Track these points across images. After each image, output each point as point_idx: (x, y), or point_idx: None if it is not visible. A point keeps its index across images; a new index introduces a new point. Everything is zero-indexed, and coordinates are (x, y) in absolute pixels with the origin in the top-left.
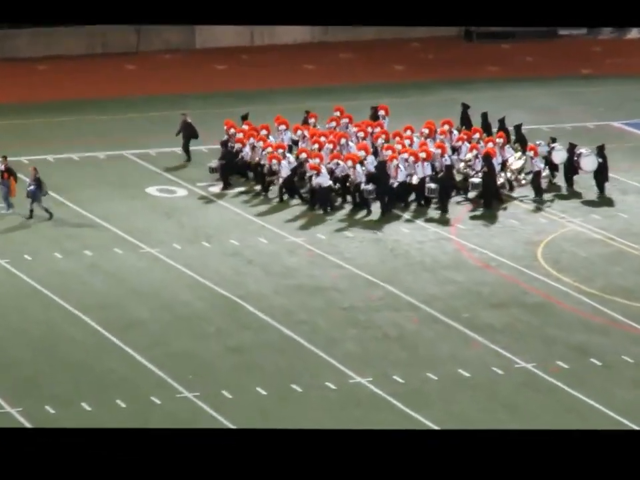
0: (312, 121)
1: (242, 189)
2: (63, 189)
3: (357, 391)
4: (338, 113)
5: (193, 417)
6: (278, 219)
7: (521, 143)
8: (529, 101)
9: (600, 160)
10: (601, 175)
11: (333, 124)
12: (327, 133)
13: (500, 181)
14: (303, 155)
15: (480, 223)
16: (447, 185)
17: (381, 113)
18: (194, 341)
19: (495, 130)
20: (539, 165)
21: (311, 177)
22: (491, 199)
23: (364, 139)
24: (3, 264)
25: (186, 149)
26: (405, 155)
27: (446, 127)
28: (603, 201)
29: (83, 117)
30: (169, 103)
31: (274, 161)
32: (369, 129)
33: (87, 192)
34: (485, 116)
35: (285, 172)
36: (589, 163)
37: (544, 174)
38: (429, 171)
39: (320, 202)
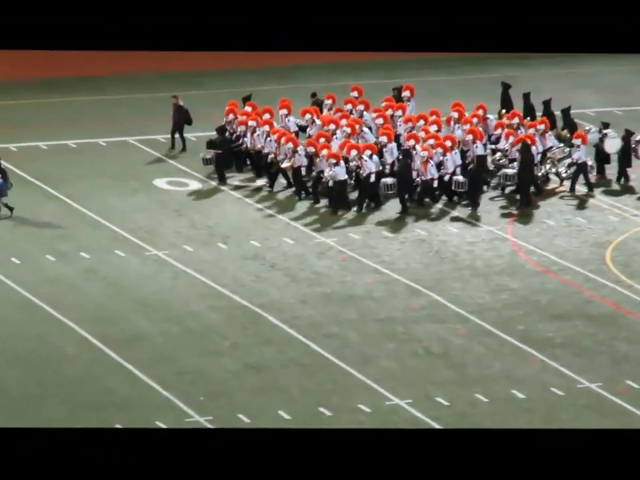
0: (328, 102)
1: (240, 183)
2: (57, 181)
3: (394, 414)
4: (355, 94)
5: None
6: (305, 216)
7: (570, 129)
8: (596, 79)
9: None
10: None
11: (349, 106)
12: (336, 120)
13: (540, 173)
14: (321, 151)
15: (541, 221)
16: (477, 177)
17: (406, 94)
18: (206, 357)
19: (539, 114)
20: (582, 156)
21: (320, 169)
22: (527, 195)
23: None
24: None
25: (179, 135)
26: (434, 146)
27: (480, 112)
28: None
29: (80, 97)
30: (181, 81)
31: (289, 145)
32: (389, 112)
33: (84, 184)
34: (527, 97)
35: (299, 161)
36: (612, 145)
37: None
38: (458, 161)
39: (336, 199)
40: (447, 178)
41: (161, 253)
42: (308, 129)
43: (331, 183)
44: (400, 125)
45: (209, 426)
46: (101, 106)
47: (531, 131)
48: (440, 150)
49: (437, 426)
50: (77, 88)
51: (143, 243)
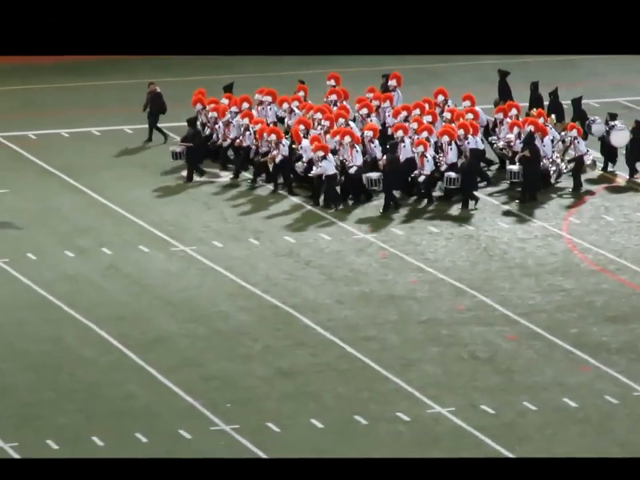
0: (301, 94)
1: (221, 179)
2: (78, 171)
3: (436, 423)
4: (332, 82)
5: (230, 454)
6: (343, 209)
7: (581, 121)
8: None
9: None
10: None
11: (334, 97)
12: (323, 108)
13: (553, 168)
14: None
15: (598, 217)
16: (472, 173)
17: (392, 83)
18: (234, 361)
19: (546, 104)
20: (581, 148)
21: (309, 162)
22: (533, 191)
23: (368, 116)
24: (0, 264)
25: (154, 126)
26: (431, 137)
27: (440, 98)
28: None
29: (103, 81)
30: (210, 65)
31: (272, 136)
32: (375, 104)
33: (106, 175)
34: (535, 86)
35: (284, 152)
36: (620, 138)
37: (588, 160)
38: (454, 157)
39: (328, 196)
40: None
41: (188, 248)
42: (286, 119)
43: (316, 175)
44: (389, 117)
45: (236, 435)
46: (128, 90)
47: (541, 120)
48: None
49: (481, 436)
50: (102, 71)
51: (168, 238)
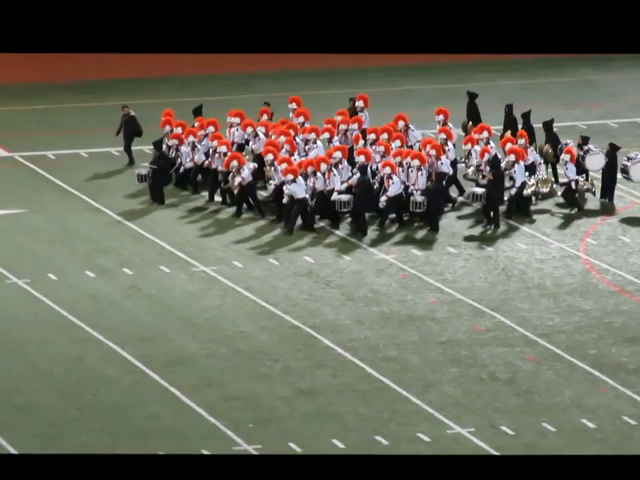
0: (264, 118)
1: (189, 204)
2: (97, 191)
3: (456, 444)
4: (294, 105)
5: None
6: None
7: (553, 144)
8: None
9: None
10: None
11: (301, 119)
12: (286, 130)
13: (527, 191)
14: (270, 156)
15: (616, 238)
16: (438, 197)
17: (359, 104)
18: (256, 381)
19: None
20: (571, 174)
21: (280, 185)
22: (496, 216)
23: (329, 141)
24: (22, 285)
25: (124, 148)
26: (401, 160)
27: (401, 124)
28: None
29: (123, 100)
30: (227, 83)
31: (233, 163)
32: (342, 127)
33: (126, 195)
34: (509, 108)
35: (247, 176)
36: (595, 161)
37: (585, 187)
38: (424, 184)
39: (291, 218)
40: (418, 197)
41: (209, 269)
42: (250, 143)
43: (285, 199)
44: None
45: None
46: (147, 110)
47: (522, 142)
48: (416, 162)
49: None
50: (121, 90)
51: (189, 258)
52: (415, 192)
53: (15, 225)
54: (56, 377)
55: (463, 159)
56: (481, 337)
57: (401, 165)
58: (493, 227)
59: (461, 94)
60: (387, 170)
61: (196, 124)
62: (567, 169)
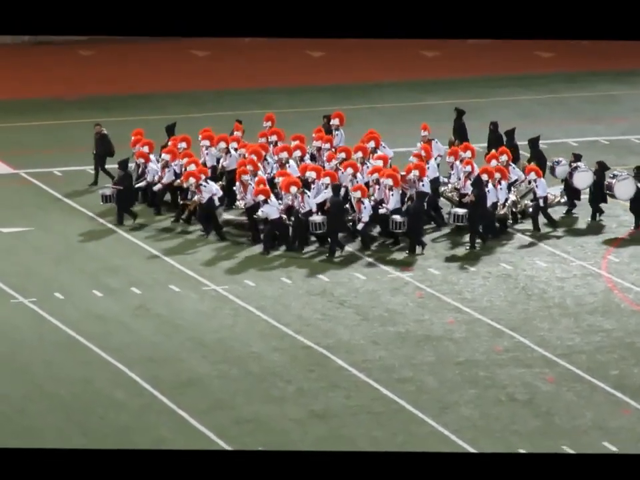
0: (237, 133)
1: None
2: (105, 209)
3: None
4: (269, 124)
5: None
6: (379, 249)
7: (538, 162)
8: None
9: (639, 185)
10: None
11: (274, 137)
12: (258, 149)
13: (502, 211)
14: (244, 176)
15: (639, 255)
16: (419, 216)
17: (334, 122)
18: (267, 404)
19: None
20: (541, 190)
21: (254, 206)
22: (475, 236)
23: (301, 159)
24: (28, 304)
25: (100, 168)
26: (377, 178)
27: (371, 144)
28: None
29: (130, 116)
30: (239, 98)
31: (190, 181)
32: (316, 145)
33: (135, 211)
34: (494, 126)
35: (206, 195)
36: (582, 179)
37: (555, 200)
38: (396, 204)
39: (265, 239)
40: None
41: (220, 287)
42: (222, 160)
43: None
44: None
45: None
46: (155, 126)
47: (493, 163)
48: (389, 181)
49: None
50: (128, 106)
51: (200, 277)
52: (385, 209)
53: (20, 243)
54: (62, 399)
55: (447, 178)
56: (500, 358)
57: (377, 182)
58: (469, 248)
59: (480, 109)
60: (357, 194)
61: (169, 143)
62: (536, 186)
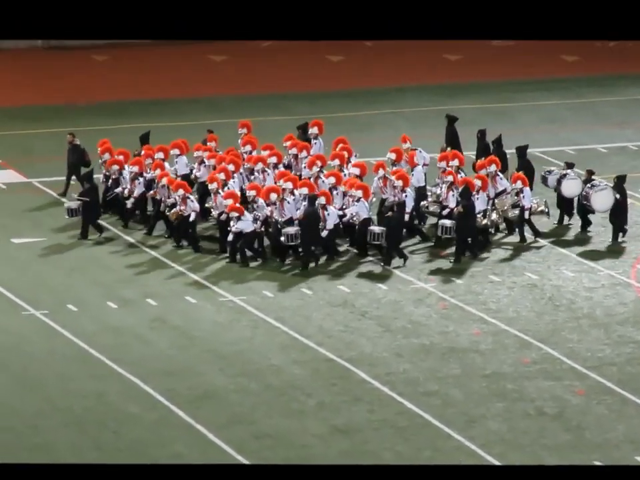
0: (212, 144)
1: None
2: (119, 218)
3: None
4: (245, 130)
5: None
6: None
7: (526, 171)
8: None
9: (617, 195)
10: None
11: (248, 147)
12: (234, 159)
13: (484, 222)
14: (214, 185)
15: None
16: (398, 228)
17: (313, 131)
18: (288, 418)
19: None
20: (527, 200)
21: (225, 220)
22: (462, 249)
23: (275, 166)
24: (40, 316)
25: (70, 177)
26: (343, 189)
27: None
28: None
29: (146, 123)
30: (259, 104)
31: (180, 191)
32: (293, 152)
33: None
34: (482, 134)
35: (190, 208)
36: (570, 187)
37: (539, 208)
38: (364, 213)
39: (241, 252)
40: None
41: (237, 298)
42: (194, 170)
43: (231, 237)
44: (304, 168)
45: None
46: (172, 132)
47: (483, 172)
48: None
49: None
50: (144, 112)
51: (216, 288)
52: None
53: (32, 254)
54: (75, 414)
55: (434, 187)
56: (528, 370)
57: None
58: (455, 261)
59: (505, 113)
60: (322, 200)
61: (142, 152)
62: (523, 197)
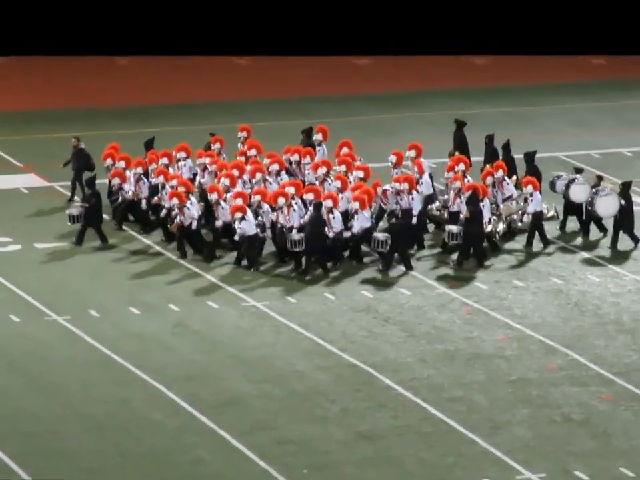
0: (217, 146)
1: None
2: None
3: None
4: (244, 134)
5: None
6: (424, 262)
7: (534, 177)
8: None
9: (622, 201)
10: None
11: (253, 151)
12: (238, 163)
13: (490, 229)
14: (214, 195)
15: None
16: (402, 235)
17: (318, 137)
18: (311, 424)
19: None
20: (536, 206)
21: (229, 223)
22: (467, 255)
23: (278, 173)
24: (61, 322)
25: (76, 182)
26: (349, 195)
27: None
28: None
29: (169, 126)
30: (280, 107)
31: (174, 200)
32: (294, 158)
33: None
34: (490, 139)
35: (190, 217)
36: (578, 192)
37: (549, 214)
38: (364, 223)
39: (247, 257)
40: (355, 229)
41: (260, 304)
42: (198, 177)
43: (237, 237)
44: (309, 174)
45: None
46: (194, 136)
47: (489, 180)
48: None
49: None
50: (167, 116)
51: (239, 293)
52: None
53: (54, 259)
54: (97, 420)
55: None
56: (554, 376)
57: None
58: (457, 265)
59: (532, 118)
60: (329, 203)
61: (147, 158)
62: (531, 200)
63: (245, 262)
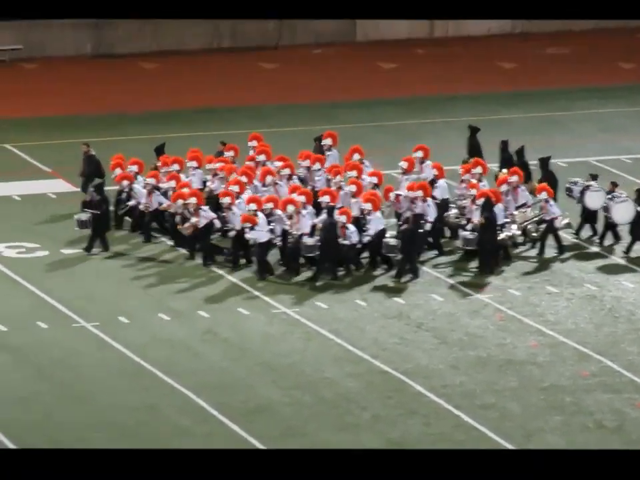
0: (231, 153)
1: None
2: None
3: None
4: (255, 143)
5: None
6: (457, 268)
7: (549, 183)
8: None
9: (638, 208)
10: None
11: (263, 157)
12: (247, 170)
13: (503, 235)
14: (227, 199)
15: None
16: (413, 241)
17: (327, 142)
18: (342, 431)
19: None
20: (554, 211)
21: (240, 231)
22: (488, 262)
23: (289, 178)
24: (90, 329)
25: (84, 189)
26: (360, 202)
27: (356, 157)
28: None
29: (194, 132)
30: (304, 112)
31: (192, 199)
32: (306, 164)
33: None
34: (504, 145)
35: (203, 221)
36: (594, 199)
37: (563, 222)
38: (378, 225)
39: (257, 264)
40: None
41: (290, 310)
42: (209, 183)
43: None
44: (319, 180)
45: None
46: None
47: (504, 187)
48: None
49: None
50: (196, 121)
51: (269, 299)
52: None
53: (82, 265)
54: (126, 427)
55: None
56: (587, 383)
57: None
58: (480, 272)
59: (560, 122)
60: (342, 218)
61: (158, 164)
62: (551, 205)
63: (242, 261)
